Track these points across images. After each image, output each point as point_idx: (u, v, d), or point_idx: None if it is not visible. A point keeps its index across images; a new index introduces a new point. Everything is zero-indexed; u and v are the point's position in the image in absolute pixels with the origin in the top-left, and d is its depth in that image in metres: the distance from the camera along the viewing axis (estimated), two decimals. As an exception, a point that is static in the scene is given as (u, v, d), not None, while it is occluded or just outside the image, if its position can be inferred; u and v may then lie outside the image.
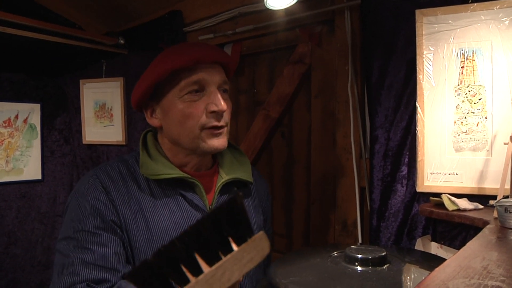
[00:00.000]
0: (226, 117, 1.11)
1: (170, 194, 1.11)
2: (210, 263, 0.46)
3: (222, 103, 1.07)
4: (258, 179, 1.37)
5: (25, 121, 2.73)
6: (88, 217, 1.02)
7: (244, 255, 0.46)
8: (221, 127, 1.10)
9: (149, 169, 1.09)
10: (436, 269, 0.76)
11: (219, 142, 1.10)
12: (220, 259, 0.46)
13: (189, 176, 1.11)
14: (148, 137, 1.20)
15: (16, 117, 2.69)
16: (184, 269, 0.45)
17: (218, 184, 1.17)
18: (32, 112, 2.76)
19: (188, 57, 1.04)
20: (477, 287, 0.65)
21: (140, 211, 1.07)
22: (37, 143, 2.80)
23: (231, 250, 0.47)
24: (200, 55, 1.06)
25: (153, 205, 1.09)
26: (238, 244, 0.47)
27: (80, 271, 0.97)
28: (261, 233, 0.48)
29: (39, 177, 2.82)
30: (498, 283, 0.66)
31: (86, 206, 1.03)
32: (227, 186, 1.19)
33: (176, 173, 1.09)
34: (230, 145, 1.30)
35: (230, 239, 0.47)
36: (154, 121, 1.15)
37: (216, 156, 1.26)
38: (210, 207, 1.14)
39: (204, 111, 1.07)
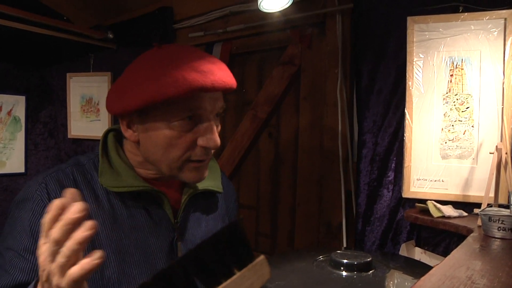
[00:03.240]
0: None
1: (131, 207, 0.98)
2: None
3: (217, 139, 0.93)
4: (226, 185, 1.24)
5: (9, 113, 2.69)
6: (22, 235, 0.89)
7: (244, 281, 0.45)
8: (206, 160, 0.97)
9: (110, 180, 0.96)
10: (422, 278, 0.77)
11: (199, 175, 0.97)
12: (220, 284, 0.45)
13: (155, 188, 0.98)
14: (109, 139, 1.04)
15: (0, 108, 2.64)
16: None
17: (185, 197, 1.05)
18: (16, 104, 2.71)
19: (210, 79, 0.88)
20: (462, 298, 0.66)
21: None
22: (21, 135, 2.76)
23: (232, 275, 0.46)
24: (218, 80, 0.89)
25: (112, 220, 0.95)
26: (238, 269, 0.47)
27: None
28: (262, 258, 0.47)
29: (22, 170, 2.78)
30: (482, 295, 0.67)
31: (24, 220, 0.89)
32: (194, 197, 1.07)
33: (140, 185, 0.97)
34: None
35: (231, 264, 0.46)
36: (130, 134, 0.98)
37: None
38: (176, 221, 1.02)
39: (193, 142, 0.93)
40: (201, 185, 1.08)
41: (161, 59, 0.92)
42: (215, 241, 0.44)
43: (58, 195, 0.90)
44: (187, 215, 1.06)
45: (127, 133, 0.98)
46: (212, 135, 0.92)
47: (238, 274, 0.45)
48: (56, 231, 0.58)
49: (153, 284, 0.40)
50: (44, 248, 0.60)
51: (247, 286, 0.45)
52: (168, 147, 0.92)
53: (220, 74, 0.92)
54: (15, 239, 0.89)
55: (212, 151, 0.97)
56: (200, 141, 0.92)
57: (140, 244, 0.96)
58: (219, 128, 0.97)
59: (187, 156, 0.93)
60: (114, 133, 1.06)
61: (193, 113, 0.90)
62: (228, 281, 0.45)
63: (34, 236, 0.88)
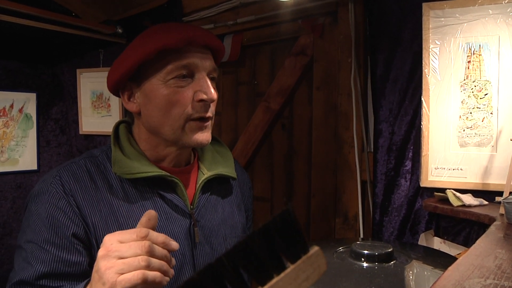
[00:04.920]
0: (213, 108, 1.01)
1: (146, 194, 1.00)
2: (261, 283, 0.42)
3: (213, 91, 0.97)
4: (241, 173, 1.26)
5: (20, 110, 2.69)
6: (41, 227, 0.91)
7: (299, 274, 0.42)
8: (207, 119, 1.00)
9: (123, 167, 0.97)
10: (449, 268, 0.75)
11: (204, 136, 1.00)
12: (272, 278, 0.42)
13: (169, 174, 1.00)
14: (120, 129, 1.07)
15: (12, 106, 2.65)
16: None
17: (200, 182, 1.06)
18: (27, 102, 2.72)
19: (180, 36, 0.93)
20: (494, 287, 0.65)
21: (113, 215, 0.95)
22: (32, 133, 2.77)
23: (284, 268, 0.43)
24: (194, 35, 0.95)
25: (128, 207, 0.97)
26: (291, 262, 0.43)
27: None
28: (317, 249, 0.44)
29: (35, 167, 2.79)
30: (515, 284, 0.65)
31: (42, 213, 0.92)
32: (208, 183, 1.09)
33: (154, 171, 0.98)
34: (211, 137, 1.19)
35: (283, 256, 0.43)
36: (132, 106, 1.02)
37: (195, 150, 1.16)
38: (192, 207, 1.04)
39: (191, 99, 0.97)
40: (214, 171, 1.10)
41: (151, 29, 1.00)
42: (266, 231, 0.41)
43: (72, 186, 0.94)
44: (202, 200, 1.07)
45: (128, 105, 1.03)
46: (208, 88, 0.97)
47: (292, 266, 0.43)
48: (159, 250, 0.74)
49: (199, 279, 0.38)
50: (135, 245, 0.72)
51: (302, 279, 0.42)
52: (168, 105, 0.96)
53: (206, 32, 1.00)
54: (34, 232, 0.91)
55: (212, 114, 1.01)
56: (197, 95, 0.96)
57: (156, 230, 0.94)
58: (216, 93, 1.00)
59: (188, 114, 0.96)
60: (125, 125, 1.10)
61: (186, 70, 0.96)
62: (282, 274, 0.41)
63: (53, 228, 0.90)
